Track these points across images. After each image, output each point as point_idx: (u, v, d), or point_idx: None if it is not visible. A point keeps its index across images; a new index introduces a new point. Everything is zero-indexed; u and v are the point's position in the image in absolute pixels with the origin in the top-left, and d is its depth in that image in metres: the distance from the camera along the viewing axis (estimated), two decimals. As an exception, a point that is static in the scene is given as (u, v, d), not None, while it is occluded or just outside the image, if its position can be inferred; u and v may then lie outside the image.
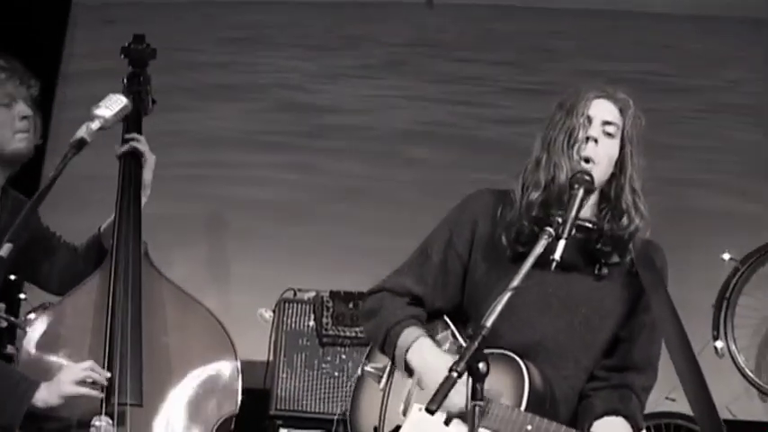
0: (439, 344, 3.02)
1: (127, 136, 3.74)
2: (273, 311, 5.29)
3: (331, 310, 5.22)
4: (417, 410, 2.96)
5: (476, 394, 2.54)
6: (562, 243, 2.73)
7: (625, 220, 2.94)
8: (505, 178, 3.07)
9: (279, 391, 5.17)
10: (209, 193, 6.34)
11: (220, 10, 6.80)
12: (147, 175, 3.73)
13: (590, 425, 2.91)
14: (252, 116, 6.57)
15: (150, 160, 3.73)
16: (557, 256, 2.72)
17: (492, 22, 6.75)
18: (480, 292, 2.97)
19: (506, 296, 2.62)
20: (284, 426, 5.14)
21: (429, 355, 2.95)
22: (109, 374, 3.36)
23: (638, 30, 6.63)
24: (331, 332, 5.20)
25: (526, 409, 2.83)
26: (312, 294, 5.29)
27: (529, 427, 2.81)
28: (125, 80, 3.89)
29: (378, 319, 3.07)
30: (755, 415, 5.84)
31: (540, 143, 2.99)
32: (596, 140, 2.94)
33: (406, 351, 2.98)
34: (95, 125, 3.11)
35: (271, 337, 5.24)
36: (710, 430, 2.89)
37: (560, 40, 6.71)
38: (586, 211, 2.96)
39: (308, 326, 5.24)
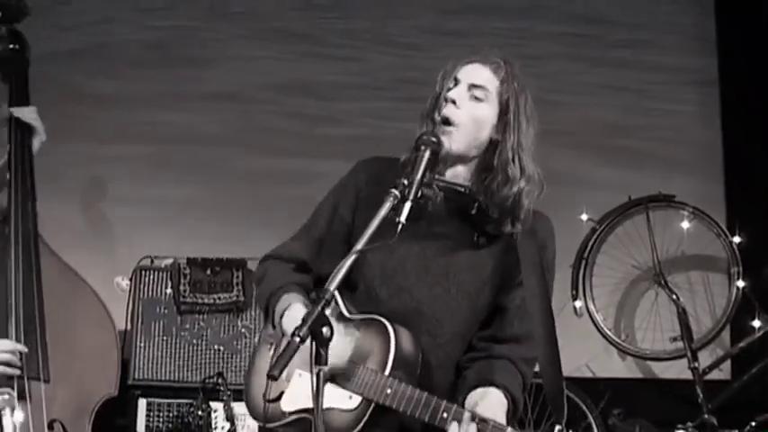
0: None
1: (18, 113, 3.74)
2: (130, 280, 5.20)
3: (188, 277, 5.17)
4: (298, 376, 2.95)
5: (319, 359, 2.52)
6: (407, 205, 2.71)
7: (507, 189, 2.91)
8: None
9: (137, 360, 5.11)
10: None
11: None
12: (36, 146, 3.78)
13: (464, 397, 2.89)
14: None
15: (42, 134, 3.75)
16: (402, 218, 2.69)
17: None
18: (363, 257, 2.93)
19: (350, 260, 2.62)
20: (143, 395, 5.07)
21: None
22: (26, 350, 3.46)
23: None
24: (189, 299, 5.14)
25: (391, 374, 2.82)
26: (169, 261, 5.22)
27: (389, 391, 2.81)
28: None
29: (262, 287, 3.07)
30: (614, 372, 5.98)
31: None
32: (455, 102, 2.93)
33: (281, 317, 2.95)
34: None
35: (128, 305, 5.17)
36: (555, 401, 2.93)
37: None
38: (465, 178, 2.96)
39: (166, 293, 5.18)
